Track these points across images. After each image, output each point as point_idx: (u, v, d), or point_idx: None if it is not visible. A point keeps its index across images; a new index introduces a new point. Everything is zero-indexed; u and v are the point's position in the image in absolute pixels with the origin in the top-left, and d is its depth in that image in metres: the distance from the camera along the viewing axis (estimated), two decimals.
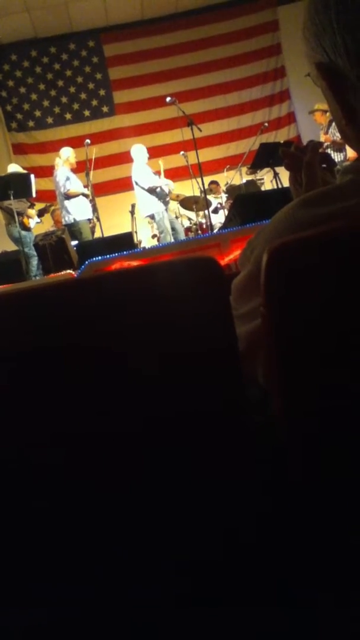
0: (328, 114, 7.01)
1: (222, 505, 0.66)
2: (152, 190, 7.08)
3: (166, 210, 7.30)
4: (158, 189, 7.11)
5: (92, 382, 0.64)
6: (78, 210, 6.77)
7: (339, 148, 6.96)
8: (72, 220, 6.75)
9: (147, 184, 7.04)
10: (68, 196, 6.70)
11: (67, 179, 6.72)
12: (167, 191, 7.30)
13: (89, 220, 6.93)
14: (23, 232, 6.56)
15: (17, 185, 6.06)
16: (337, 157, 6.98)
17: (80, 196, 6.80)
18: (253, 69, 10.27)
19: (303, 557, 0.66)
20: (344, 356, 0.59)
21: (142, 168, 7.14)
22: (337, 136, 6.94)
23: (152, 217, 7.26)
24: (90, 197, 6.95)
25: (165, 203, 7.31)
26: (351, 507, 0.64)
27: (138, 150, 7.22)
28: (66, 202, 6.78)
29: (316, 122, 7.23)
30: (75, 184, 6.80)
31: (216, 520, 0.66)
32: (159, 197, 7.14)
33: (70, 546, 0.65)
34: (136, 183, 7.16)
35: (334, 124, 6.85)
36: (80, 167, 7.03)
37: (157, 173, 7.39)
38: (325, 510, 0.64)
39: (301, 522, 0.66)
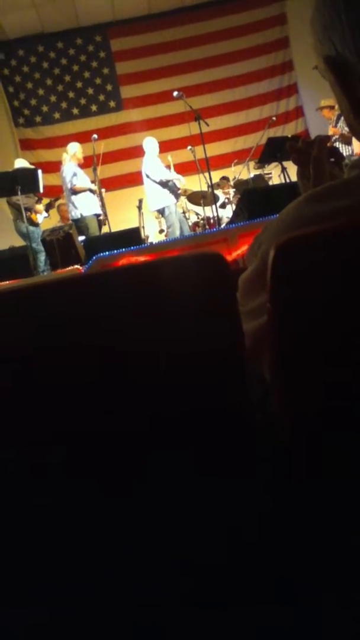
0: (336, 107, 6.99)
1: (225, 504, 0.66)
2: (163, 184, 7.08)
3: (176, 205, 7.29)
4: (170, 183, 7.11)
5: (97, 378, 0.64)
6: (85, 206, 6.77)
7: (348, 141, 6.94)
8: (79, 216, 6.75)
9: (159, 177, 7.04)
10: (74, 191, 6.70)
11: (74, 174, 6.73)
12: (178, 185, 7.30)
13: (97, 215, 6.92)
14: (31, 228, 6.57)
15: (24, 181, 6.06)
16: (345, 150, 6.97)
17: (87, 192, 6.80)
18: (260, 63, 10.21)
19: (306, 556, 0.66)
20: (349, 354, 0.59)
21: (153, 161, 7.14)
22: (346, 129, 6.92)
23: (161, 211, 7.26)
24: (98, 193, 6.94)
25: (177, 197, 7.31)
26: (353, 506, 0.64)
27: (149, 143, 7.23)
28: (73, 198, 6.78)
29: (324, 117, 7.20)
30: (82, 179, 6.80)
31: (219, 519, 0.66)
32: (170, 191, 7.14)
33: (72, 545, 0.66)
34: (147, 176, 7.15)
35: (342, 118, 6.86)
36: (87, 162, 7.03)
37: (167, 167, 7.38)
38: (327, 508, 0.64)
39: (304, 520, 0.66)
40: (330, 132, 6.97)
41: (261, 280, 0.66)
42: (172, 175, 7.25)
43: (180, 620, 0.67)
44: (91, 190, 6.83)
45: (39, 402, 0.64)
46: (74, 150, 6.89)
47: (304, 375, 0.61)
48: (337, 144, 6.95)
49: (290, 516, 0.66)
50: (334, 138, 6.93)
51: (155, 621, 0.67)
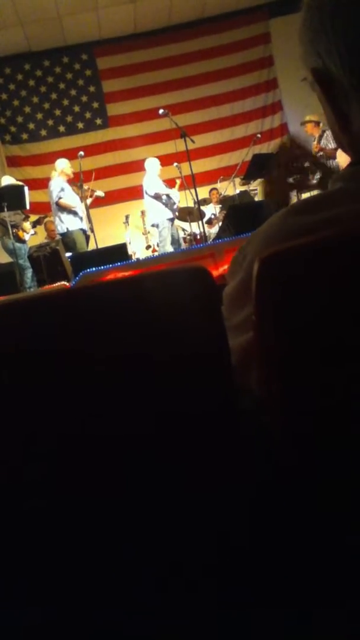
0: (321, 124, 7.12)
1: (215, 507, 0.66)
2: (157, 197, 7.19)
3: (171, 220, 7.37)
4: (164, 197, 7.21)
5: (83, 392, 0.63)
6: (71, 220, 6.78)
7: (331, 157, 7.06)
8: (65, 230, 6.76)
9: (153, 191, 7.14)
10: (60, 206, 6.72)
11: (62, 189, 6.75)
12: (175, 200, 7.41)
13: (83, 230, 6.94)
14: (17, 244, 6.57)
15: (11, 198, 6.07)
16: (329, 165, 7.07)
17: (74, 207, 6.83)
18: (245, 81, 10.35)
19: (298, 558, 0.66)
20: (337, 367, 0.59)
21: (152, 178, 7.29)
22: (329, 146, 7.05)
23: (156, 225, 7.36)
24: (84, 207, 6.97)
25: (173, 212, 7.41)
26: (346, 507, 0.64)
27: (150, 162, 7.48)
28: (59, 212, 6.80)
29: (307, 133, 7.31)
30: (69, 195, 6.83)
31: (209, 522, 0.66)
32: (165, 205, 7.23)
33: (63, 548, 0.65)
34: (145, 192, 7.37)
35: (325, 134, 6.99)
36: (77, 178, 7.08)
37: (171, 184, 7.50)
38: (319, 510, 0.64)
39: (296, 523, 0.65)
40: (313, 149, 7.08)
41: (247, 293, 0.66)
42: (166, 190, 7.36)
43: (174, 624, 0.66)
44: (76, 213, 6.84)
45: (25, 418, 0.64)
46: (62, 166, 6.92)
47: (290, 388, 0.61)
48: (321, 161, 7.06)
49: (282, 519, 0.65)
50: (319, 155, 7.04)
51: (147, 625, 0.66)
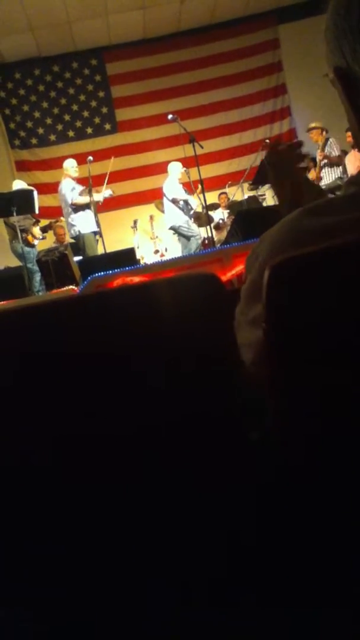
0: (324, 132, 7.14)
1: (223, 508, 0.66)
2: (175, 201, 7.28)
3: (188, 222, 7.46)
4: (181, 202, 7.25)
5: (94, 398, 0.64)
6: (84, 223, 6.77)
7: (336, 163, 7.08)
8: (78, 233, 6.77)
9: (171, 196, 7.19)
10: (75, 206, 6.71)
11: (73, 189, 6.75)
12: (193, 206, 7.45)
13: (96, 233, 6.95)
14: (26, 249, 6.59)
15: (20, 202, 6.09)
16: (333, 173, 7.12)
17: (86, 209, 6.82)
18: (254, 87, 10.36)
19: (305, 558, 0.66)
20: (346, 375, 0.59)
21: (172, 182, 7.44)
22: (333, 153, 7.07)
23: (173, 228, 7.40)
24: (93, 211, 6.98)
25: (190, 217, 7.46)
26: (352, 508, 0.64)
27: (173, 167, 7.53)
28: (73, 215, 6.80)
29: (312, 140, 7.33)
30: (82, 194, 6.83)
31: (217, 522, 0.66)
32: (182, 211, 7.34)
33: (70, 550, 0.65)
34: (164, 195, 7.46)
35: (330, 141, 7.01)
36: (84, 183, 7.10)
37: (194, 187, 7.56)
38: (325, 510, 0.64)
39: (302, 524, 0.65)
40: (318, 156, 7.10)
41: (259, 291, 0.67)
42: (184, 196, 7.45)
43: (179, 624, 0.66)
44: (89, 206, 6.86)
45: (36, 419, 0.64)
46: (68, 165, 6.91)
47: (297, 396, 0.61)
48: (325, 168, 7.11)
49: (289, 519, 0.66)
50: (322, 163, 7.07)
51: (155, 625, 0.66)
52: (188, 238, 7.39)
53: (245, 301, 0.81)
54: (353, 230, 0.65)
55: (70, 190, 6.74)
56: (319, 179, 7.16)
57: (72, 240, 6.99)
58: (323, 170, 7.20)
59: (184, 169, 7.52)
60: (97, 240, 7.03)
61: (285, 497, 0.66)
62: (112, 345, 0.64)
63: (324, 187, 7.11)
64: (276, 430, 0.63)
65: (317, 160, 7.10)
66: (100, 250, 6.96)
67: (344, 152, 7.73)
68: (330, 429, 0.61)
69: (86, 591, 0.67)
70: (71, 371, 0.64)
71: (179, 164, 7.49)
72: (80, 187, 6.83)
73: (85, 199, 6.76)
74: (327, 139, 7.11)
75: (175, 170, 7.49)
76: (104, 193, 7.07)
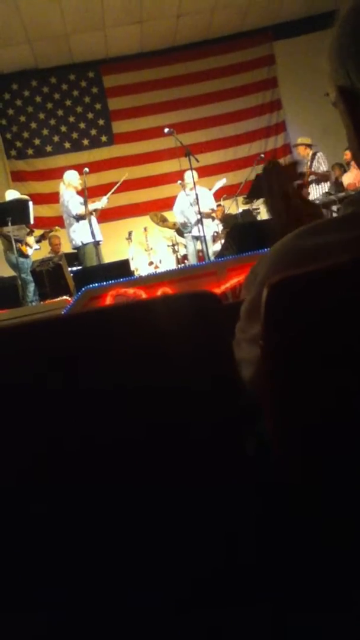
0: (311, 148, 7.23)
1: (221, 511, 0.66)
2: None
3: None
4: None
5: (89, 409, 0.64)
6: (84, 234, 6.75)
7: (322, 180, 7.17)
8: (80, 244, 6.76)
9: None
10: (80, 217, 6.70)
11: (74, 199, 6.74)
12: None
13: (97, 243, 6.95)
14: (20, 259, 6.58)
15: (15, 212, 6.10)
16: (320, 189, 7.20)
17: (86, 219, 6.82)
18: (249, 102, 10.45)
19: (303, 560, 0.66)
20: (344, 394, 0.60)
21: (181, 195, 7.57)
22: (320, 169, 7.15)
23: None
24: (88, 221, 6.97)
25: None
26: (350, 510, 0.64)
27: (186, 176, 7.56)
28: (75, 226, 6.79)
29: (300, 156, 7.41)
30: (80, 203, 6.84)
31: (216, 525, 0.66)
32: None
33: (69, 552, 0.65)
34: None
35: (317, 156, 7.09)
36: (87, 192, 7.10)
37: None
38: (323, 513, 0.64)
39: (300, 526, 0.66)
40: (306, 172, 7.18)
41: (258, 309, 0.67)
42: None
43: (177, 626, 0.66)
44: (94, 211, 6.87)
45: (26, 439, 0.64)
46: (69, 178, 6.91)
47: (295, 413, 0.62)
48: (312, 184, 7.19)
49: (287, 522, 0.66)
50: (310, 179, 7.15)
51: (152, 627, 0.66)
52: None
53: (245, 319, 0.82)
54: (351, 250, 0.66)
55: (73, 202, 6.74)
56: (307, 194, 7.23)
57: (74, 251, 6.99)
58: (310, 186, 7.28)
59: (179, 182, 7.56)
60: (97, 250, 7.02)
61: (282, 509, 0.66)
62: (109, 361, 0.65)
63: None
64: (273, 447, 0.64)
65: (305, 173, 7.18)
66: (114, 258, 6.95)
67: (341, 167, 7.81)
68: (328, 446, 0.61)
69: (82, 593, 0.67)
70: (68, 388, 0.64)
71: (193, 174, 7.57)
72: (81, 199, 6.84)
73: (83, 210, 6.77)
74: (314, 154, 7.20)
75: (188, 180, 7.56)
76: (103, 201, 7.08)
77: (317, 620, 0.66)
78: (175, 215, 7.70)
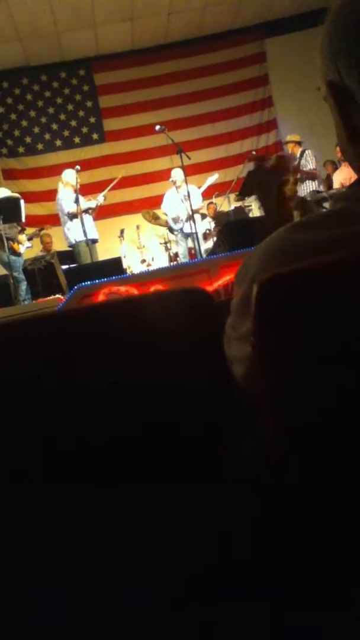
0: (300, 145, 7.28)
1: (217, 510, 0.67)
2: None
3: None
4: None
5: (83, 410, 0.64)
6: (79, 232, 6.75)
7: (311, 177, 7.21)
8: (74, 242, 6.76)
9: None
10: (73, 215, 6.70)
11: (72, 199, 6.74)
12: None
13: (94, 241, 6.95)
14: (12, 257, 6.56)
15: (6, 210, 6.08)
16: (307, 186, 7.26)
17: (84, 216, 6.81)
18: (241, 99, 10.45)
19: (300, 559, 0.66)
20: (335, 391, 0.60)
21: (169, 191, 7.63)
22: (308, 167, 7.20)
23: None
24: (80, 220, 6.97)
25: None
26: (348, 511, 0.64)
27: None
28: (69, 224, 6.80)
29: (289, 153, 7.48)
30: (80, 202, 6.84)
31: (211, 524, 0.67)
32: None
33: (63, 549, 0.65)
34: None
35: (306, 153, 7.13)
36: (82, 190, 7.10)
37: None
38: (321, 512, 0.65)
39: (297, 525, 0.66)
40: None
41: (248, 306, 0.67)
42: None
43: (172, 625, 0.66)
44: (89, 209, 6.86)
45: (23, 437, 0.64)
46: (67, 178, 6.90)
47: (287, 411, 0.62)
48: (299, 183, 7.25)
49: (283, 520, 0.66)
50: (297, 176, 7.18)
51: (146, 626, 0.66)
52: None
53: (236, 316, 0.82)
54: (342, 245, 0.66)
55: (68, 200, 6.73)
56: (295, 191, 7.25)
57: (67, 249, 6.98)
58: (297, 184, 7.33)
59: (171, 179, 7.57)
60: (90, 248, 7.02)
61: (279, 508, 0.66)
62: (101, 359, 0.65)
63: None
64: (268, 444, 0.64)
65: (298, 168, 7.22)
66: (95, 258, 6.96)
67: (333, 164, 7.84)
68: (322, 443, 0.61)
69: (76, 591, 0.67)
70: (59, 385, 0.64)
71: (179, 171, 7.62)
72: (80, 198, 6.85)
73: (85, 206, 6.78)
74: (303, 151, 7.24)
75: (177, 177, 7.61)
76: (99, 199, 7.08)
77: (315, 620, 0.67)
78: (164, 211, 7.71)
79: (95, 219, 7.38)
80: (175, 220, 7.53)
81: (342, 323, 0.61)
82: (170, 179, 7.55)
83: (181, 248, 7.69)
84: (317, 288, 0.60)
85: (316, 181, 7.35)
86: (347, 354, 0.61)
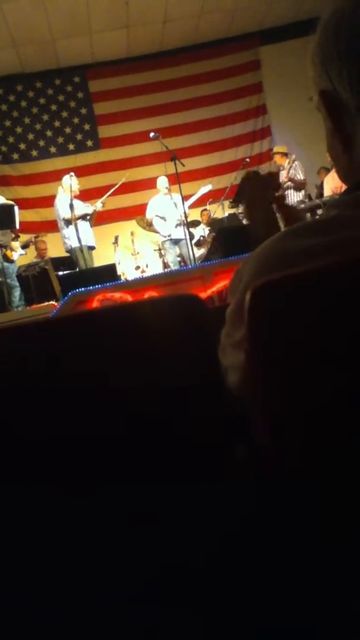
0: (287, 156, 7.36)
1: (211, 509, 0.66)
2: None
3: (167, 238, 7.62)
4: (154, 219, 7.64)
5: (78, 416, 0.64)
6: (74, 238, 6.75)
7: (299, 188, 7.30)
8: (70, 247, 6.76)
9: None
10: (69, 222, 6.71)
11: (69, 206, 6.74)
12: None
13: (91, 248, 6.95)
14: (5, 264, 6.55)
15: (0, 217, 6.07)
16: (296, 196, 7.32)
17: (80, 222, 6.81)
18: (235, 106, 10.50)
19: (292, 560, 0.66)
20: (329, 397, 0.60)
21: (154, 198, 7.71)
22: (297, 177, 7.27)
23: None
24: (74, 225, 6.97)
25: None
26: (339, 511, 0.64)
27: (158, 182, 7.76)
28: (65, 230, 6.80)
29: (276, 164, 7.59)
30: (77, 208, 6.84)
31: (205, 523, 0.66)
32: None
33: (54, 547, 0.65)
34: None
35: (295, 164, 7.21)
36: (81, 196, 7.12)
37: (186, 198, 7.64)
38: (312, 512, 0.65)
39: (289, 526, 0.66)
40: (283, 178, 7.29)
41: (242, 313, 0.67)
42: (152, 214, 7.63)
43: (164, 623, 0.66)
44: (86, 215, 6.87)
45: (18, 440, 0.64)
46: (67, 183, 6.90)
47: (281, 418, 0.62)
48: (289, 191, 7.32)
49: (276, 521, 0.66)
50: (285, 185, 7.27)
51: (137, 624, 0.66)
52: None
53: (230, 324, 0.81)
54: (335, 252, 0.66)
55: (64, 206, 6.74)
56: (283, 198, 7.34)
57: (62, 255, 6.98)
58: (287, 192, 7.40)
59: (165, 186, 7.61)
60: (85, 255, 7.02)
61: (272, 509, 0.66)
62: (94, 365, 0.64)
63: None
64: (261, 450, 0.64)
65: (282, 181, 7.30)
66: (93, 264, 6.97)
67: (327, 171, 7.90)
68: (316, 448, 0.61)
69: (68, 590, 0.67)
70: (52, 391, 0.64)
71: (163, 179, 7.62)
72: (78, 203, 6.86)
73: (79, 213, 6.78)
74: (292, 161, 7.33)
75: (158, 185, 7.64)
76: (97, 205, 7.08)
77: (314, 620, 0.66)
78: (149, 217, 7.74)
79: (92, 225, 7.39)
80: (161, 219, 7.54)
81: (335, 328, 0.61)
82: (164, 187, 7.59)
83: (170, 256, 7.70)
84: (310, 293, 0.60)
85: (302, 192, 7.45)
86: (341, 358, 0.61)
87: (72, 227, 6.73)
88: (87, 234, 6.95)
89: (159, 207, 7.60)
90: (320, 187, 7.91)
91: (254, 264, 0.77)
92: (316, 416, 0.62)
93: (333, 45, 0.73)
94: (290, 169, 7.30)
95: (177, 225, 7.43)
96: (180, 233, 7.44)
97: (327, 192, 7.25)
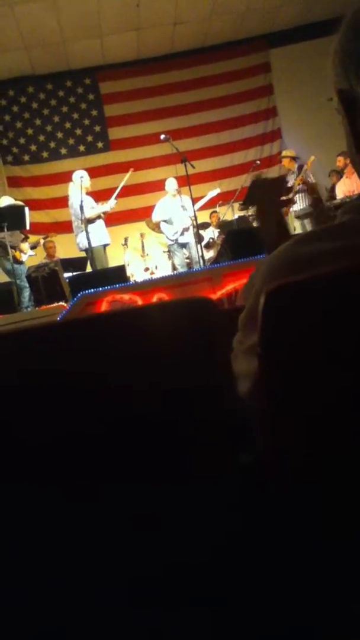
0: (295, 160, 7.35)
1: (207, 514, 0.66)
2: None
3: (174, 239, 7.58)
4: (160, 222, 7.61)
5: (85, 420, 0.64)
6: (93, 236, 6.70)
7: (313, 190, 7.27)
8: (87, 246, 6.71)
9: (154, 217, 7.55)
10: (89, 221, 6.65)
11: (83, 201, 6.68)
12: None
13: (105, 245, 6.92)
14: (15, 265, 6.57)
15: (11, 218, 6.10)
16: (305, 200, 7.30)
17: (97, 221, 6.78)
18: (245, 109, 10.49)
19: (286, 562, 0.66)
20: (341, 402, 0.60)
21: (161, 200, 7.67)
22: (309, 179, 7.24)
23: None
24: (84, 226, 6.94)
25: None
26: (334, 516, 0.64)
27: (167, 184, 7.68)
28: (81, 230, 6.75)
29: (284, 168, 7.54)
30: (92, 206, 6.80)
31: (206, 524, 0.66)
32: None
33: (57, 548, 0.65)
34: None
35: (304, 167, 7.20)
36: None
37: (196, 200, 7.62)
38: (305, 516, 0.64)
39: (284, 531, 0.65)
40: (296, 182, 7.26)
41: (255, 319, 0.67)
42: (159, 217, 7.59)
43: (166, 624, 0.66)
44: (103, 214, 6.85)
45: (25, 443, 0.64)
46: (84, 181, 6.84)
47: (290, 422, 0.61)
48: (300, 194, 7.30)
49: (278, 523, 0.66)
50: (298, 187, 7.25)
51: (141, 624, 0.66)
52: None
53: (243, 330, 0.81)
54: (347, 257, 0.65)
55: (79, 204, 6.69)
56: (293, 202, 7.32)
57: (73, 256, 6.97)
58: (297, 196, 7.37)
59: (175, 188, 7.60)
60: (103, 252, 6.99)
61: (277, 513, 0.66)
62: (105, 369, 0.64)
63: (294, 212, 7.33)
64: (268, 459, 0.63)
65: (293, 185, 7.28)
66: (111, 263, 6.95)
67: (338, 174, 7.88)
68: (324, 458, 0.61)
69: (60, 592, 0.66)
70: (62, 394, 0.64)
71: (171, 180, 7.59)
72: (89, 200, 6.81)
73: (95, 212, 6.75)
74: (301, 166, 7.33)
75: (167, 187, 7.62)
76: (110, 203, 7.04)
77: (313, 620, 0.66)
78: (156, 220, 7.71)
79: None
80: (168, 222, 7.52)
81: (348, 333, 0.60)
82: (173, 189, 7.58)
83: (177, 259, 7.66)
84: (323, 298, 0.60)
85: (315, 195, 7.44)
86: (353, 364, 0.60)
87: (94, 224, 6.66)
88: (103, 232, 6.93)
89: (166, 210, 7.57)
90: (331, 190, 7.89)
91: (266, 269, 0.77)
92: (328, 418, 0.61)
93: (353, 45, 0.74)
94: (300, 172, 7.29)
95: (184, 230, 7.41)
96: (186, 237, 7.43)
97: (340, 195, 7.24)
